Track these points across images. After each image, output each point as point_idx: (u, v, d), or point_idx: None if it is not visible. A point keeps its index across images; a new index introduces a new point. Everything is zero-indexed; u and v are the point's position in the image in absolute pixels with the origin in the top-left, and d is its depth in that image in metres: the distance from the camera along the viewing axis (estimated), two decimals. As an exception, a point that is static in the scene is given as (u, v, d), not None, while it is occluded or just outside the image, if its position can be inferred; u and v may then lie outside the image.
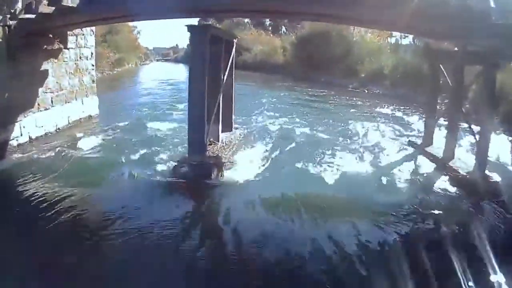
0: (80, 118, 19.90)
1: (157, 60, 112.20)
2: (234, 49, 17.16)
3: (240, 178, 13.40)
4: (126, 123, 20.61)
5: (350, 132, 21.52)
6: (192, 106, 13.51)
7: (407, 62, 39.09)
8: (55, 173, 12.88)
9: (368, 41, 48.34)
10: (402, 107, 30.68)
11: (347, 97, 36.00)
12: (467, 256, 8.45)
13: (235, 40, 17.37)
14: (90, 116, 20.87)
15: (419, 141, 18.77)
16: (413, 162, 16.65)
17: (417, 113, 27.88)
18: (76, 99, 19.37)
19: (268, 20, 74.18)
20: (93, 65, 21.30)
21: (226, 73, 15.93)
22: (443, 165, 15.40)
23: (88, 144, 16.37)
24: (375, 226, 10.62)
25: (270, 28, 72.30)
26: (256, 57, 60.80)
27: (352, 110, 28.93)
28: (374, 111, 29.12)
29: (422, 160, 16.68)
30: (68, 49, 18.16)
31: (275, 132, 20.54)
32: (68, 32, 17.95)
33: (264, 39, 64.36)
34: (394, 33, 51.91)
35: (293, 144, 18.04)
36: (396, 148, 18.75)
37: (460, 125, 16.20)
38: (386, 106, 31.18)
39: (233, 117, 18.22)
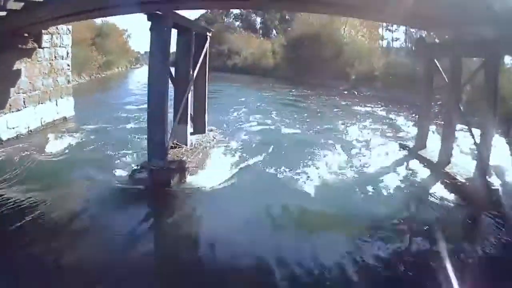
0: (54, 120, 18.60)
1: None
2: (207, 44, 15.27)
3: (205, 185, 11.61)
4: (101, 125, 19.28)
5: (336, 135, 19.70)
6: (151, 104, 11.63)
7: (398, 64, 37.79)
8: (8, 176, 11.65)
9: (359, 43, 46.52)
10: (393, 109, 29.15)
11: (337, 99, 34.52)
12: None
13: (208, 34, 15.49)
14: (64, 118, 19.52)
15: (411, 144, 17.07)
16: (404, 167, 14.85)
17: (408, 114, 26.32)
18: (50, 100, 18.18)
19: (259, 23, 73.00)
20: (68, 65, 19.96)
21: (197, 69, 14.06)
22: (438, 170, 13.61)
23: (55, 146, 15.16)
24: (355, 244, 8.79)
25: (260, 31, 70.59)
26: (246, 60, 59.38)
27: (340, 112, 27.27)
28: (363, 113, 27.46)
29: (415, 164, 14.92)
30: (42, 48, 17.06)
31: (255, 134, 18.83)
32: (43, 31, 16.85)
33: (255, 42, 62.89)
34: (386, 36, 51.20)
35: (272, 148, 16.24)
36: (387, 151, 16.98)
37: (456, 126, 14.47)
38: (376, 108, 29.72)
39: (206, 118, 16.28)
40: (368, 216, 10.24)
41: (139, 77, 55.14)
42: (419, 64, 31.91)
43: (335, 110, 27.69)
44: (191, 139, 14.48)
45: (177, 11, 11.93)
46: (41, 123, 17.48)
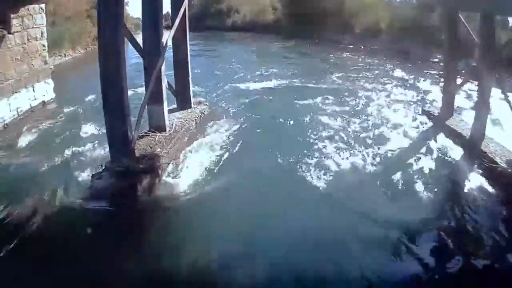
0: (32, 107, 15.93)
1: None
2: (185, 2, 11.94)
3: (183, 191, 8.73)
4: (82, 107, 16.12)
5: (346, 102, 16.38)
6: (104, 84, 8.56)
7: (405, 16, 33.51)
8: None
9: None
10: (404, 65, 25.64)
11: (341, 55, 30.99)
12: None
13: (186, -11, 12.11)
14: (43, 103, 16.76)
15: (435, 110, 14.13)
16: (432, 144, 11.82)
17: (421, 70, 23.26)
18: (25, 87, 15.57)
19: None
20: (44, 46, 17.04)
21: (172, 31, 10.86)
22: (473, 148, 10.79)
23: (26, 141, 12.59)
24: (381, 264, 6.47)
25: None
26: (245, 17, 54.85)
27: (346, 72, 23.21)
28: (372, 71, 23.97)
29: (444, 140, 11.97)
30: (12, 33, 14.53)
31: (251, 106, 15.51)
32: (12, 15, 14.28)
33: (253, -1, 58.14)
34: None
35: (272, 124, 13.24)
36: (408, 120, 13.94)
37: (491, 92, 11.22)
38: (386, 64, 26.20)
39: (191, 90, 13.15)
40: (394, 220, 7.62)
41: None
42: (431, 16, 30.11)
43: (342, 70, 23.88)
44: (172, 119, 11.47)
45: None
46: (18, 113, 15.01)
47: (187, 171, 9.50)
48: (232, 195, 8.63)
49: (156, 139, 10.15)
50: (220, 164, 10.05)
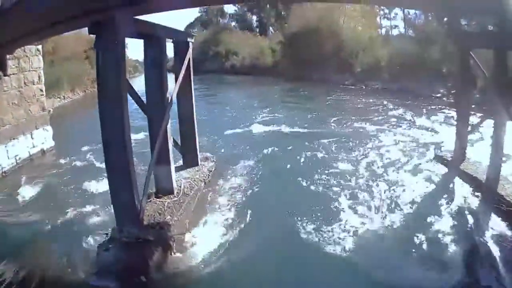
0: (31, 155, 15.48)
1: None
2: (190, 54, 11.69)
3: (198, 265, 8.06)
4: (84, 157, 15.54)
5: (353, 148, 15.91)
6: (107, 147, 8.04)
7: (403, 53, 34.02)
8: None
9: (361, 33, 42.55)
10: (405, 102, 25.43)
11: (343, 96, 30.66)
12: None
13: (190, 41, 11.87)
14: (43, 151, 16.30)
15: (447, 154, 13.58)
16: (449, 191, 11.29)
17: (424, 108, 23.04)
18: (23, 134, 15.11)
19: (255, 21, 69.23)
20: (42, 91, 16.58)
21: (177, 86, 10.53)
22: (492, 195, 9.99)
23: (25, 194, 11.96)
24: None
25: (257, 29, 66.54)
26: (244, 60, 55.49)
27: (349, 115, 22.83)
28: (377, 112, 23.60)
29: (461, 188, 11.37)
30: (8, 76, 14.07)
31: (258, 156, 15.03)
32: (7, 56, 13.82)
33: (252, 41, 58.77)
34: (383, 24, 47.91)
35: (282, 180, 12.73)
36: (422, 167, 13.31)
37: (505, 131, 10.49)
38: (390, 103, 25.73)
39: (198, 146, 12.68)
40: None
41: (138, 87, 51.54)
42: (431, 50, 29.95)
43: (348, 113, 23.54)
44: (179, 180, 10.97)
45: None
46: (16, 161, 14.54)
47: (200, 241, 8.81)
48: (250, 270, 7.94)
49: (166, 205, 9.59)
50: (236, 232, 9.34)
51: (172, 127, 10.60)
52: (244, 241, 8.84)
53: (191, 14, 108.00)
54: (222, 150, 15.88)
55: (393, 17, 48.50)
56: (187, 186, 10.86)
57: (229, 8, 71.39)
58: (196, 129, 12.59)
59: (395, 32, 48.15)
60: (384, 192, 11.34)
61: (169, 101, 10.00)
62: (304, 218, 9.66)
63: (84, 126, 21.23)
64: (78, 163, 14.99)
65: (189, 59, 11.74)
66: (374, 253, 8.15)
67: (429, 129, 18.53)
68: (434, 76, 28.84)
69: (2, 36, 11.36)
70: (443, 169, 12.97)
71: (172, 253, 8.33)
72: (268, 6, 65.43)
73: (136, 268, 7.62)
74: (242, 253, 8.34)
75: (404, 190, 11.45)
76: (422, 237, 8.77)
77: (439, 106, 23.46)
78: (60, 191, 12.23)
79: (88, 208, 10.63)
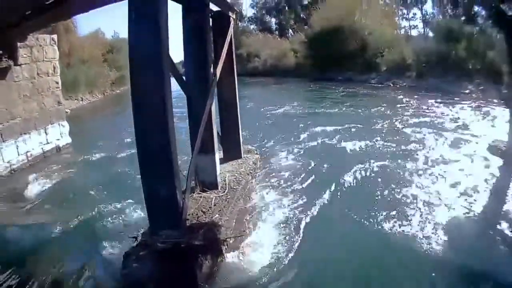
0: (44, 152, 13.63)
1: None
2: (231, 29, 9.54)
3: (258, 275, 6.00)
4: (103, 155, 13.69)
5: (400, 143, 13.67)
6: (142, 128, 5.97)
7: (429, 51, 31.59)
8: None
9: (385, 31, 40.18)
10: (437, 99, 23.20)
11: (374, 94, 28.13)
12: None
13: (232, 16, 9.75)
14: (58, 148, 14.41)
15: (500, 144, 11.71)
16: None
17: (458, 103, 21.00)
18: (36, 129, 13.31)
19: (274, 24, 67.15)
20: (57, 83, 14.68)
21: (220, 65, 8.37)
22: None
23: (34, 192, 10.17)
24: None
25: (276, 32, 64.34)
26: (265, 62, 53.02)
27: (385, 111, 20.69)
28: (411, 108, 21.16)
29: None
30: (20, 65, 12.38)
31: (309, 151, 12.95)
32: (19, 44, 12.17)
33: (272, 43, 56.33)
34: (403, 25, 47.38)
35: (333, 174, 10.59)
36: (478, 164, 11.17)
37: None
38: (420, 100, 23.56)
39: (241, 136, 10.50)
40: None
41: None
42: (457, 48, 28.03)
43: (385, 110, 21.13)
44: (223, 173, 8.83)
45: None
46: (27, 157, 12.73)
47: (257, 245, 6.78)
48: (323, 280, 5.86)
49: (212, 199, 7.44)
50: (297, 232, 7.32)
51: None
52: (308, 245, 6.91)
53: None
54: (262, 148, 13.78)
55: (412, 17, 47.19)
56: (233, 180, 8.74)
57: (248, 11, 69.41)
58: (239, 117, 10.48)
59: (414, 32, 46.31)
60: (446, 187, 9.51)
61: (212, 80, 7.89)
62: (371, 215, 7.85)
63: (104, 125, 19.66)
64: (97, 161, 13.22)
65: (231, 35, 9.62)
66: (465, 247, 6.58)
67: (467, 120, 16.73)
68: (460, 73, 27.34)
69: (10, 14, 9.40)
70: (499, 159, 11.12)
71: (224, 261, 6.21)
72: (287, 8, 63.52)
73: (178, 284, 5.49)
74: (308, 259, 6.46)
75: (470, 179, 9.78)
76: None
77: (469, 101, 21.59)
78: (75, 189, 10.44)
79: (109, 208, 8.75)
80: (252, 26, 67.64)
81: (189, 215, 6.83)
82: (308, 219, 7.88)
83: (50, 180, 11.12)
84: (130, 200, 8.78)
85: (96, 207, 8.75)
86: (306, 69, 44.74)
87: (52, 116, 14.20)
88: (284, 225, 7.62)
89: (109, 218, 8.21)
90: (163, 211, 6.15)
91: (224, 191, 7.96)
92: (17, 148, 12.32)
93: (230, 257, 6.33)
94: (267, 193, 9.26)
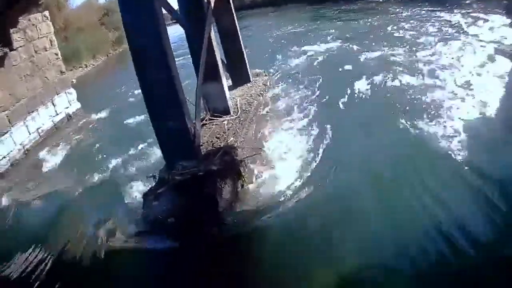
0: (55, 124, 13.24)
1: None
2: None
3: (280, 197, 5.55)
4: (113, 111, 13.40)
5: (411, 51, 12.55)
6: (140, 60, 5.45)
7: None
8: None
9: None
10: (440, 8, 20.33)
11: (376, 8, 25.04)
12: None
13: None
14: (68, 116, 13.98)
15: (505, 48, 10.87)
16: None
17: (461, 14, 18.03)
18: (43, 104, 12.98)
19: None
20: (57, 54, 14.37)
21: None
22: None
23: (50, 165, 9.95)
24: None
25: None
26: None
27: (395, 22, 18.63)
28: (417, 20, 18.76)
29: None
30: (15, 49, 12.08)
31: (309, 68, 12.09)
32: (11, 30, 11.89)
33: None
34: None
35: (347, 88, 9.68)
36: (488, 59, 10.40)
37: None
38: (424, 11, 20.72)
39: (247, 61, 9.82)
40: None
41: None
42: None
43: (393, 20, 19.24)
44: (234, 98, 8.23)
45: None
46: (39, 134, 12.42)
47: (277, 167, 6.27)
48: (346, 200, 5.40)
49: (226, 125, 6.89)
50: (316, 151, 6.77)
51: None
52: (329, 164, 6.30)
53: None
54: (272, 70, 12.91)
55: None
56: (244, 103, 8.21)
57: None
58: (242, 43, 9.74)
59: None
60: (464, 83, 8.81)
61: (207, 6, 7.21)
62: (388, 131, 7.19)
63: (111, 84, 18.72)
64: (109, 118, 12.89)
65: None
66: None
67: (476, 29, 14.70)
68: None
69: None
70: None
71: (244, 185, 5.78)
72: None
73: (200, 214, 5.07)
74: (331, 179, 5.88)
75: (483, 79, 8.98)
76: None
77: (475, 12, 18.10)
78: (89, 151, 10.15)
79: (127, 158, 8.39)
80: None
81: (203, 143, 6.38)
82: (325, 128, 7.46)
83: (64, 149, 10.90)
84: (146, 145, 8.42)
85: (114, 160, 8.46)
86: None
87: (56, 87, 13.88)
88: (298, 142, 7.17)
89: (128, 168, 7.90)
90: (176, 143, 5.77)
91: (237, 115, 7.46)
92: (27, 128, 11.96)
93: (249, 178, 5.93)
94: (280, 113, 8.72)
